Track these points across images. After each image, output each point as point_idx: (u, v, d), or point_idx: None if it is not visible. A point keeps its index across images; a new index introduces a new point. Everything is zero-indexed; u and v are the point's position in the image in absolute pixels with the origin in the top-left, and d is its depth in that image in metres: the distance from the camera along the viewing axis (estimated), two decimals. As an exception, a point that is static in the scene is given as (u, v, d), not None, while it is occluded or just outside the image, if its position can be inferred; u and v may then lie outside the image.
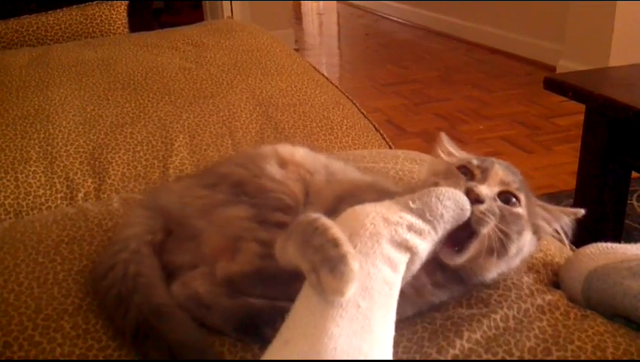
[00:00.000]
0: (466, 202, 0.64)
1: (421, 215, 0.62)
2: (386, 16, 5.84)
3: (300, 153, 0.88)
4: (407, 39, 5.03)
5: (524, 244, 0.70)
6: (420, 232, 0.61)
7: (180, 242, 0.77)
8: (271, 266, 0.66)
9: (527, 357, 0.64)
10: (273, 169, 0.83)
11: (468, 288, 0.73)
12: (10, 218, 1.15)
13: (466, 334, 0.67)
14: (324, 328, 0.52)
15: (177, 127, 1.38)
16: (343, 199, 0.75)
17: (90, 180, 1.23)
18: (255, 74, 1.66)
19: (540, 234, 0.73)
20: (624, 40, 3.17)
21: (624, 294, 0.67)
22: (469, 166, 0.71)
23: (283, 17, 4.53)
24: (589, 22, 3.32)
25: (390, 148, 1.42)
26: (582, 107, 1.44)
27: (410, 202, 0.63)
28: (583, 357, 0.64)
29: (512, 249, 0.67)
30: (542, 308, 0.71)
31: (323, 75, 1.75)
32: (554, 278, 0.79)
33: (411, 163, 1.08)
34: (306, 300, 0.56)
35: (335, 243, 0.54)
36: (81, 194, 1.20)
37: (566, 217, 0.72)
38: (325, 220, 0.58)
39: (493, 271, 0.70)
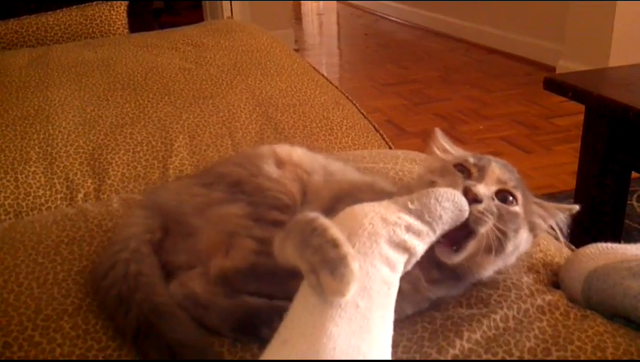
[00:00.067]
0: (464, 203, 0.64)
1: (420, 216, 0.61)
2: (386, 16, 5.84)
3: (297, 153, 0.88)
4: (407, 39, 5.03)
5: (521, 242, 0.71)
6: (418, 233, 0.61)
7: (177, 240, 0.77)
8: (266, 263, 0.66)
9: (527, 357, 0.64)
10: (270, 168, 0.83)
11: (465, 284, 0.73)
12: (10, 218, 1.15)
13: (465, 334, 0.67)
14: (322, 328, 0.52)
15: (177, 128, 1.38)
16: (340, 199, 0.75)
17: (90, 181, 1.23)
18: (255, 74, 1.65)
19: (536, 232, 0.73)
20: (624, 40, 3.17)
21: (624, 294, 0.67)
22: (466, 164, 0.71)
23: (283, 17, 4.53)
24: (588, 22, 3.32)
25: (390, 148, 1.42)
26: (582, 107, 1.44)
27: (409, 203, 0.63)
28: (582, 357, 0.64)
29: (509, 247, 0.68)
30: (542, 308, 0.71)
31: (323, 75, 1.74)
32: (554, 278, 0.79)
33: (411, 163, 1.08)
34: (304, 300, 0.55)
35: (334, 244, 0.54)
36: (80, 195, 1.20)
37: (561, 213, 0.73)
38: (324, 220, 0.57)
39: (490, 268, 0.71)
